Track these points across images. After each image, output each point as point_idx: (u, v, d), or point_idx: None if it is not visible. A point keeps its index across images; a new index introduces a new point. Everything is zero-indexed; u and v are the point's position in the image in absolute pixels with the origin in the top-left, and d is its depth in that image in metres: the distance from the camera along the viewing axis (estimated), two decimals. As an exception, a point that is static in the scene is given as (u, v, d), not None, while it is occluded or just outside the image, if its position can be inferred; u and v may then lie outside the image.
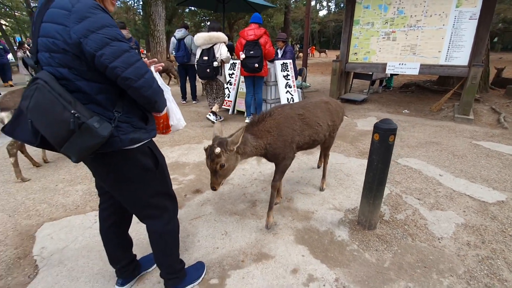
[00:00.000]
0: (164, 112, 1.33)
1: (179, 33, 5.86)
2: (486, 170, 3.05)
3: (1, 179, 3.03)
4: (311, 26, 38.00)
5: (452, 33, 5.07)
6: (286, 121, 1.99)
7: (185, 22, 5.83)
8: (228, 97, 5.73)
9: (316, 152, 3.52)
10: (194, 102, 6.73)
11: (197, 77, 5.10)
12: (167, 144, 4.05)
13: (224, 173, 1.77)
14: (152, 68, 1.26)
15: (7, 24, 17.99)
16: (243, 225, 2.22)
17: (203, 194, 2.73)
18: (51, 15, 1.00)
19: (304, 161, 3.38)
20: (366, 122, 5.05)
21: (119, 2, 24.07)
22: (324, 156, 2.70)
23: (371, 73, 6.65)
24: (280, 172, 2.11)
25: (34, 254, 1.96)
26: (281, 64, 5.13)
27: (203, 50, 4.51)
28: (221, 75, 4.71)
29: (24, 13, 20.03)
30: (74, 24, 0.97)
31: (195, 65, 4.67)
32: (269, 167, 3.22)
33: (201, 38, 4.43)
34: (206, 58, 4.46)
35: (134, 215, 1.51)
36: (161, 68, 1.36)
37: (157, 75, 1.27)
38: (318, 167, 3.19)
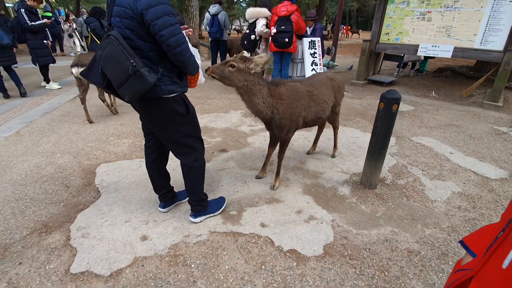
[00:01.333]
0: (196, 73, 1.70)
1: (213, 8, 6.14)
2: (499, 152, 3.13)
3: (64, 131, 3.68)
4: (348, 4, 36.07)
5: (490, 15, 4.85)
6: (297, 95, 2.15)
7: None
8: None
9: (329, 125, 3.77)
10: None
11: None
12: (198, 112, 4.50)
13: (225, 74, 1.84)
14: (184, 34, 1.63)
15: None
16: (260, 178, 2.61)
17: (228, 153, 3.15)
18: None
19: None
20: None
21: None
22: (334, 128, 2.94)
23: (402, 55, 6.53)
24: (284, 144, 2.33)
25: (96, 184, 2.52)
26: (309, 42, 5.27)
27: (249, 24, 4.96)
28: (259, 48, 5.05)
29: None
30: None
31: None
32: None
33: (247, 13, 4.90)
34: (248, 31, 4.92)
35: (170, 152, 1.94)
36: (190, 32, 1.71)
37: (188, 42, 1.63)
38: (308, 153, 3.10)
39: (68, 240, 1.85)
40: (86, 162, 2.89)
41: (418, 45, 5.70)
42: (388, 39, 6.17)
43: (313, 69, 5.32)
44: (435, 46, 5.54)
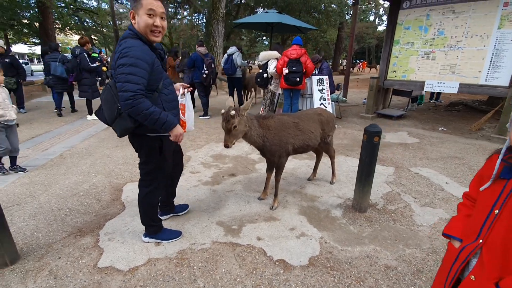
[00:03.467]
0: (183, 121, 2.12)
1: (230, 49, 7.00)
2: (496, 183, 3.24)
3: (99, 154, 4.28)
4: (367, 41, 37.38)
5: (493, 54, 5.13)
6: (283, 125, 2.53)
7: (240, 44, 7.06)
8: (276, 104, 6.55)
9: (336, 156, 4.06)
10: None
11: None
12: (214, 141, 5.00)
13: (236, 133, 2.17)
14: (186, 91, 2.12)
15: (96, 38, 21.99)
16: (262, 200, 2.93)
17: (236, 177, 3.52)
18: (117, 49, 1.68)
19: (324, 161, 3.95)
20: (395, 135, 5.34)
21: (186, 20, 27.27)
22: (330, 157, 3.25)
23: (410, 90, 6.83)
24: (279, 168, 2.67)
25: (122, 199, 2.96)
26: (317, 79, 5.77)
27: (262, 64, 5.70)
28: (270, 84, 5.66)
29: (110, 30, 24.09)
30: (117, 55, 1.64)
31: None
32: (291, 165, 3.89)
33: (261, 56, 5.68)
34: (261, 70, 5.59)
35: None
36: (191, 89, 2.17)
37: (188, 96, 2.12)
38: (309, 179, 3.37)
39: (97, 242, 2.25)
40: (115, 181, 3.38)
41: (424, 82, 6.01)
42: (395, 76, 6.54)
43: (322, 103, 5.74)
44: (441, 82, 5.81)
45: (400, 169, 3.72)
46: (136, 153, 2.04)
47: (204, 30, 21.31)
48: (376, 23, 38.19)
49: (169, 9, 22.96)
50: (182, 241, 2.25)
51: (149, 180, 2.06)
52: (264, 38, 26.21)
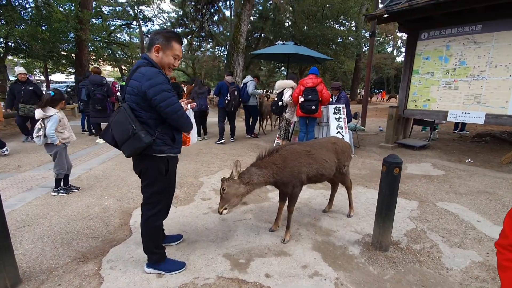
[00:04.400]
0: (189, 135, 2.18)
1: (246, 78, 7.24)
2: (537, 224, 2.88)
3: (114, 178, 4.33)
4: (385, 71, 37.54)
5: (520, 83, 4.88)
6: (292, 155, 2.42)
7: (257, 73, 7.41)
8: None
9: (352, 186, 3.84)
10: (249, 136, 7.80)
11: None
12: (228, 167, 4.94)
13: (227, 197, 2.21)
14: (188, 106, 2.18)
15: (125, 68, 23.66)
16: (273, 231, 2.76)
17: (248, 205, 3.39)
18: (135, 76, 1.82)
19: (340, 192, 3.75)
20: (417, 167, 5.05)
21: (209, 52, 28.84)
22: (346, 188, 3.06)
23: (432, 120, 6.57)
24: (292, 198, 2.54)
25: (130, 224, 2.91)
26: (334, 108, 5.71)
27: (278, 93, 5.78)
28: (285, 112, 5.67)
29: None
30: (144, 81, 1.77)
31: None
32: (305, 195, 3.72)
33: (277, 85, 5.78)
34: (276, 99, 5.69)
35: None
36: (194, 105, 2.23)
37: (190, 111, 2.18)
38: (324, 211, 3.20)
39: (99, 270, 2.17)
40: (126, 205, 3.35)
41: (447, 111, 5.77)
42: (416, 106, 6.35)
43: (338, 131, 5.62)
44: (466, 112, 5.56)
45: (425, 203, 3.44)
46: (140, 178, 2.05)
47: (225, 61, 22.38)
48: (395, 54, 38.48)
49: (194, 42, 24.50)
50: (185, 274, 2.12)
51: (152, 203, 2.04)
52: (282, 68, 27.00)
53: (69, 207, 3.27)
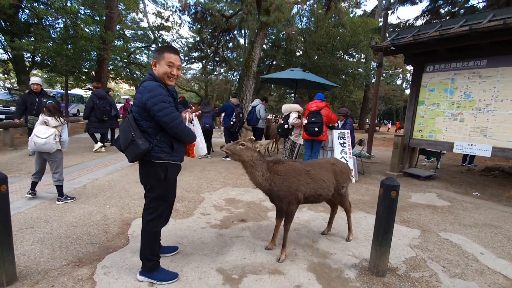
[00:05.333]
0: (193, 144, 2.26)
1: (254, 102, 7.48)
2: (545, 261, 2.77)
3: (118, 188, 4.41)
4: (394, 103, 37.84)
5: (527, 118, 4.88)
6: (293, 172, 2.49)
7: (266, 96, 7.71)
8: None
9: (354, 211, 3.80)
10: None
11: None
12: (230, 185, 4.98)
13: (236, 150, 2.34)
14: (193, 115, 2.29)
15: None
16: (269, 250, 2.74)
17: (246, 223, 3.39)
18: (139, 89, 2.01)
19: (340, 215, 3.71)
20: (422, 196, 4.97)
21: (222, 76, 29.91)
22: (345, 211, 3.05)
23: (438, 150, 6.54)
24: (288, 216, 2.54)
25: (128, 233, 2.94)
26: (339, 133, 5.79)
27: (284, 116, 5.93)
28: (291, 135, 5.77)
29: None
30: (145, 94, 1.93)
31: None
32: (305, 216, 3.69)
33: (283, 108, 5.94)
34: (282, 122, 5.84)
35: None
36: (199, 113, 2.39)
37: (196, 120, 2.31)
38: (323, 233, 3.16)
39: (92, 274, 2.18)
40: (126, 215, 3.40)
41: (453, 143, 5.75)
42: (422, 136, 6.36)
43: (342, 157, 5.64)
44: (472, 145, 5.52)
45: (427, 232, 3.36)
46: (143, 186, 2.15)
47: (236, 84, 23.14)
48: (404, 86, 38.94)
49: (208, 66, 25.56)
50: (176, 285, 2.11)
51: (152, 208, 2.12)
52: (292, 94, 27.63)
53: (72, 213, 3.34)
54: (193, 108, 9.27)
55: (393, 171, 6.50)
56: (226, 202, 4.08)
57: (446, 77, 5.95)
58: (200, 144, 2.33)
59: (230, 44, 22.29)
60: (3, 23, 9.23)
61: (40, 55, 10.65)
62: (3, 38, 9.86)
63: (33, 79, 6.09)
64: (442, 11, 11.57)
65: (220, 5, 19.50)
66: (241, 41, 24.08)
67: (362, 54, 22.77)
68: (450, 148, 5.81)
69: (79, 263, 2.33)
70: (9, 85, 17.88)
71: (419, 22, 11.67)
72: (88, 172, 5.27)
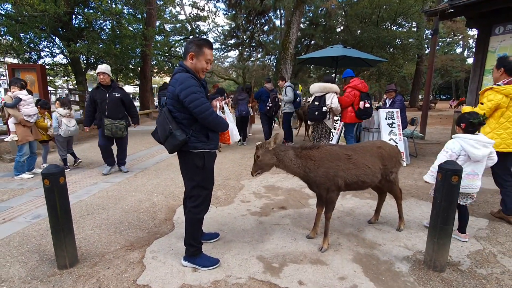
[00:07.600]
0: (227, 131, 2.26)
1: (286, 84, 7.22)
2: None
3: (164, 177, 4.67)
4: (454, 75, 33.47)
5: None
6: (330, 156, 2.32)
7: (283, 75, 7.71)
8: (331, 141, 6.22)
9: (405, 198, 3.47)
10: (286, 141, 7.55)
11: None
12: (269, 172, 4.91)
13: (259, 164, 2.33)
14: (217, 104, 2.27)
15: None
16: (310, 238, 2.64)
17: (287, 210, 3.31)
18: (171, 82, 2.03)
19: (389, 203, 3.41)
20: (489, 180, 4.31)
21: (259, 61, 29.59)
22: (395, 198, 2.76)
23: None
24: (328, 204, 2.39)
25: (173, 220, 3.08)
26: (386, 113, 5.29)
27: (315, 96, 5.14)
28: (328, 119, 5.31)
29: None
30: (177, 86, 1.95)
31: (308, 109, 5.64)
32: (349, 204, 3.48)
33: (316, 87, 5.09)
34: (317, 103, 5.06)
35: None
36: (229, 99, 2.32)
37: (226, 108, 2.32)
38: (370, 222, 2.94)
39: (142, 258, 2.33)
40: (172, 202, 3.57)
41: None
42: (489, 110, 5.48)
43: (391, 138, 5.17)
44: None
45: (497, 222, 2.91)
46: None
47: (274, 69, 22.72)
48: (465, 55, 34.15)
49: (245, 52, 25.43)
50: (218, 271, 2.14)
51: (194, 196, 2.18)
52: (334, 74, 26.22)
53: (124, 200, 3.62)
54: (228, 96, 9.35)
55: (452, 152, 5.78)
56: (265, 189, 4.04)
57: (522, 38, 4.98)
58: (233, 130, 2.31)
59: (266, 27, 21.73)
60: (60, 30, 10.20)
61: (93, 56, 11.62)
62: (61, 43, 10.95)
63: (100, 67, 4.48)
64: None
65: (254, -13, 18.97)
66: (277, 22, 23.30)
67: (413, 22, 20.39)
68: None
69: (131, 247, 2.51)
70: (71, 87, 20.06)
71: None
72: (139, 163, 5.68)
